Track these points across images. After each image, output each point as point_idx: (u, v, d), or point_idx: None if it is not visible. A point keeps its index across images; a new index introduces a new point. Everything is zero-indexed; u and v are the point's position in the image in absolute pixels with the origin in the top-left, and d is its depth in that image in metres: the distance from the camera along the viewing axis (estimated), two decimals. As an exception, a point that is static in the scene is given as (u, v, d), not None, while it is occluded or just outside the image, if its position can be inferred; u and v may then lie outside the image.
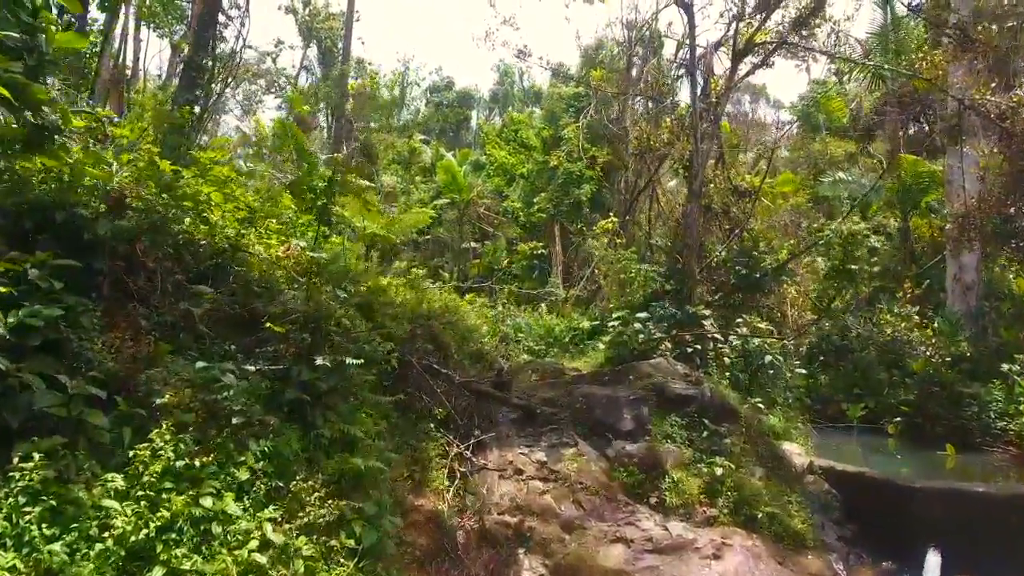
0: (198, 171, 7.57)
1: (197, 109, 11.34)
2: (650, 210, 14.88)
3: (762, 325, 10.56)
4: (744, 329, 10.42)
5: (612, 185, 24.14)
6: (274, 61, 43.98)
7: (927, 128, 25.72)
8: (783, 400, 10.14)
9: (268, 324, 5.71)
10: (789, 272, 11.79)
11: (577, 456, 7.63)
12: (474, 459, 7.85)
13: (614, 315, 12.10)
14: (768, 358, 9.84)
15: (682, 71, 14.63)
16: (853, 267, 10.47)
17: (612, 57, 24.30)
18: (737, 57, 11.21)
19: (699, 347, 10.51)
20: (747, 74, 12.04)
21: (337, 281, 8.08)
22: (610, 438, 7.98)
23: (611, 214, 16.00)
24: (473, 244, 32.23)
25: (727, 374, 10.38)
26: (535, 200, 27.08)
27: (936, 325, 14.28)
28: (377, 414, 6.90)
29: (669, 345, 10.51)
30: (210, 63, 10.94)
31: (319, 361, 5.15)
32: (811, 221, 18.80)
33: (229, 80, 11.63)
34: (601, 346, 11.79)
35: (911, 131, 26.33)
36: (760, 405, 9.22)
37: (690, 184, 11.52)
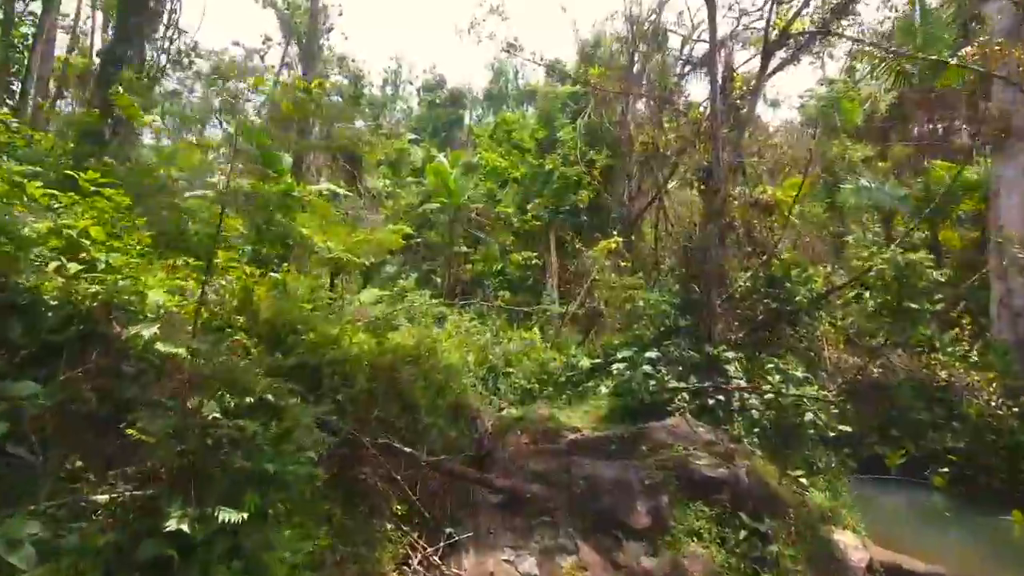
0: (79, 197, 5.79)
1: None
2: (656, 226, 13.06)
3: (798, 372, 8.82)
4: (777, 376, 8.67)
5: (612, 191, 22.37)
6: (262, 59, 42.04)
7: (942, 130, 24.13)
8: (825, 464, 8.39)
9: (131, 431, 3.93)
10: (828, 305, 10.06)
11: (578, 569, 5.85)
12: (444, 567, 6.08)
13: (619, 353, 10.34)
14: (809, 416, 8.09)
15: (688, 69, 12.86)
16: (913, 305, 8.74)
17: (611, 55, 22.52)
18: (770, 50, 9.43)
19: (721, 398, 8.75)
20: (777, 69, 10.29)
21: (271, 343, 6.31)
22: (620, 538, 6.21)
23: (614, 232, 14.17)
24: (465, 249, 30.52)
25: (755, 430, 8.63)
26: (529, 206, 25.29)
27: (975, 354, 12.57)
28: (306, 523, 5.15)
29: (686, 396, 8.74)
30: (135, 56, 9.09)
31: (171, 525, 3.33)
32: (832, 234, 17.12)
33: (157, 76, 9.79)
34: (603, 390, 10.02)
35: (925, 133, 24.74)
36: (802, 479, 7.46)
37: (708, 199, 9.76)
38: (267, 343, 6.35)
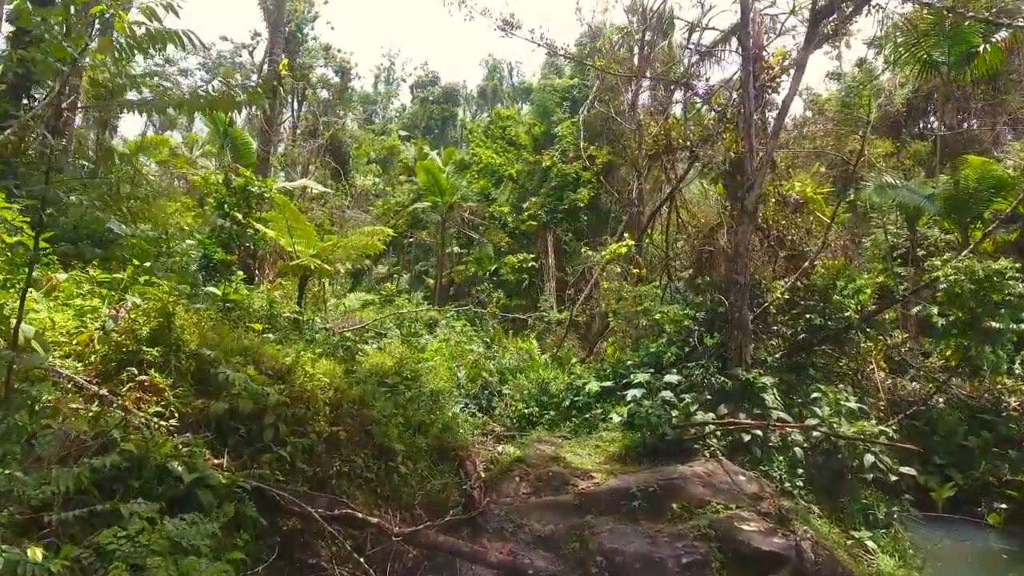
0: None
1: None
2: (667, 229, 11.57)
3: (851, 403, 7.40)
4: (826, 408, 7.25)
5: (613, 190, 20.95)
6: (251, 54, 40.51)
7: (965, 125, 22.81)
8: (885, 515, 6.97)
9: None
10: (881, 324, 8.62)
11: None
12: None
13: (633, 375, 8.88)
14: (870, 459, 6.68)
15: (715, 41, 11.38)
16: (995, 325, 7.32)
17: (613, 45, 21.07)
18: (820, 14, 7.95)
19: (759, 433, 7.32)
20: (820, 42, 8.82)
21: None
22: (652, 637, 4.77)
23: (625, 234, 12.69)
24: (458, 249, 29.19)
25: (799, 471, 7.21)
26: (525, 205, 23.87)
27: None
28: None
29: (719, 433, 7.31)
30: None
31: None
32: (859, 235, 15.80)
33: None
34: (615, 418, 8.56)
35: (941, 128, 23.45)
36: (868, 540, 6.04)
37: (740, 198, 8.31)
38: (191, 383, 4.88)
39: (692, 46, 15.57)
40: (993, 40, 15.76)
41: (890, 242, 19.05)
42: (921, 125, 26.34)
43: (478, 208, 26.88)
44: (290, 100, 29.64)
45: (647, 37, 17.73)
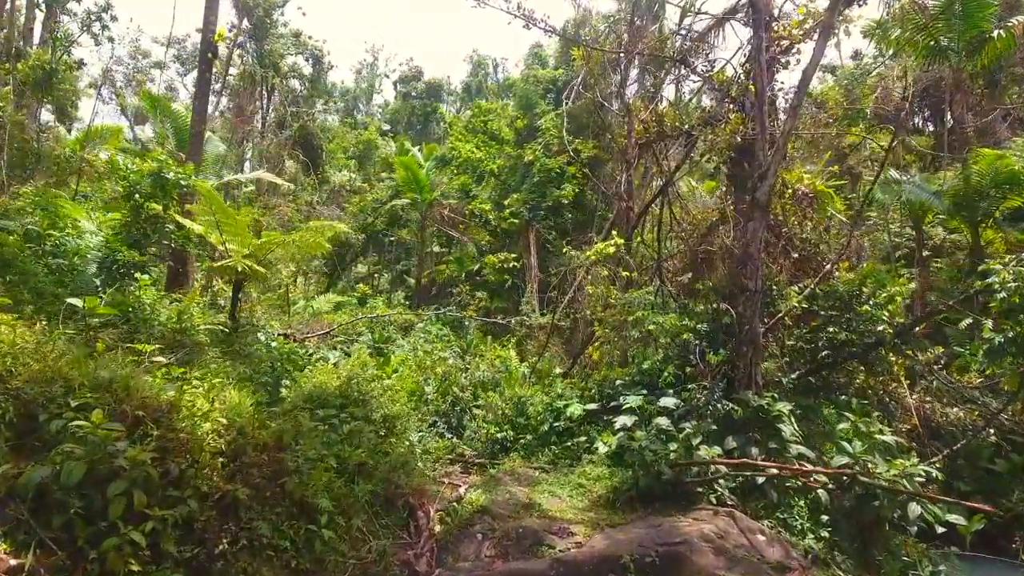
0: None
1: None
2: (659, 227, 10.21)
3: (887, 436, 6.12)
4: (858, 444, 5.96)
5: (599, 185, 19.68)
6: (227, 46, 38.83)
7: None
8: (928, 573, 5.70)
9: None
10: (918, 338, 7.35)
11: None
12: None
13: (623, 398, 7.54)
14: (916, 509, 5.41)
15: (697, 31, 10.01)
16: (1068, 344, 6.09)
17: (599, 34, 19.76)
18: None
19: (775, 473, 6.00)
20: (848, 3, 7.56)
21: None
22: None
23: (613, 231, 11.33)
24: (439, 248, 27.87)
25: (824, 519, 5.93)
26: (507, 201, 22.54)
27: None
28: None
29: (726, 473, 5.99)
30: None
31: None
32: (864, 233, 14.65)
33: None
34: (602, 448, 7.23)
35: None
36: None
37: (751, 188, 7.01)
38: (9, 436, 3.47)
39: (683, 31, 14.27)
40: (1009, 23, 14.65)
41: (892, 241, 17.97)
42: (917, 120, 25.42)
43: (459, 205, 25.56)
44: (261, 90, 28.04)
45: (636, 21, 16.43)
